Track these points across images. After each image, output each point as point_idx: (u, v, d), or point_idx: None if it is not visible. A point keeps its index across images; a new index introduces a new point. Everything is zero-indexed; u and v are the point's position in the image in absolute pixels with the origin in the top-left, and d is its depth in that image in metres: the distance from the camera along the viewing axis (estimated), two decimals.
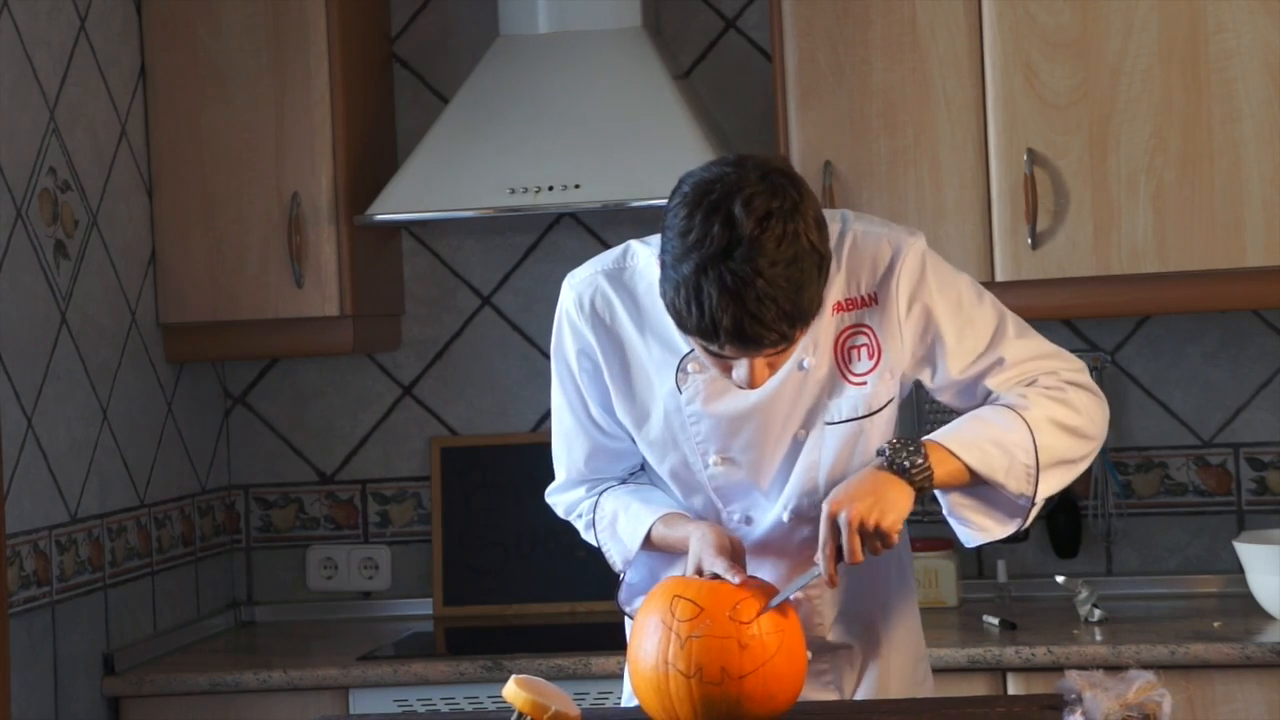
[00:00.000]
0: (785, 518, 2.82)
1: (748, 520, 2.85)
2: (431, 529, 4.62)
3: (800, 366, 2.77)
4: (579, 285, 2.87)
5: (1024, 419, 2.75)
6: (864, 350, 2.79)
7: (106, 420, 4.11)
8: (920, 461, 2.69)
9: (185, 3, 4.32)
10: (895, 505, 2.66)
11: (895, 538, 2.66)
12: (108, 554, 4.10)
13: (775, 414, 2.79)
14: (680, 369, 2.80)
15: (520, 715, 2.61)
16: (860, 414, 2.80)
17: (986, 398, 2.82)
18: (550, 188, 4.16)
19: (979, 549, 4.41)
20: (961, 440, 2.74)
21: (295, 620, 4.65)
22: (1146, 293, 4.05)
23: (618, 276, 2.85)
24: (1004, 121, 4.05)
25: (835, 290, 2.77)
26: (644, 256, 2.84)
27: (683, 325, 2.59)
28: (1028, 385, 2.80)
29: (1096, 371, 4.35)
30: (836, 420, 2.79)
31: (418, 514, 4.66)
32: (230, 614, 4.64)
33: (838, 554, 2.66)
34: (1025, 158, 4.03)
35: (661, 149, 4.10)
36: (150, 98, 4.34)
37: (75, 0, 4.07)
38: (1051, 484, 2.78)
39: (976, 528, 2.82)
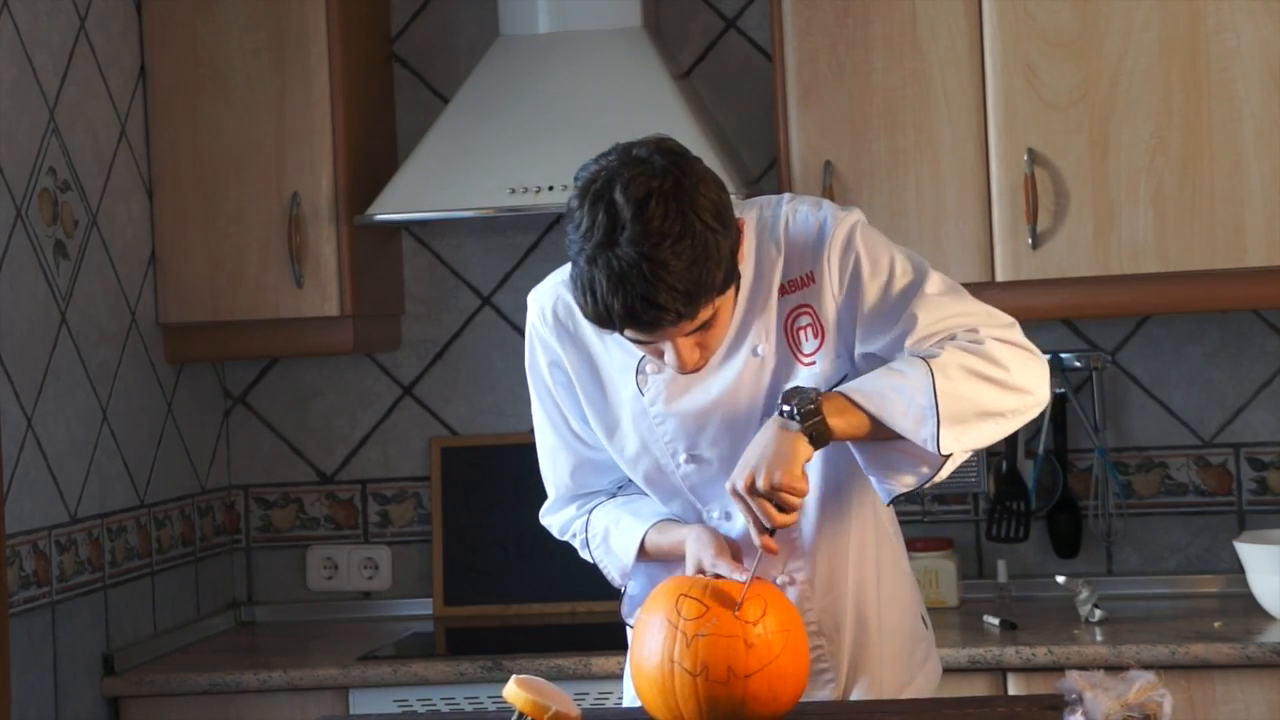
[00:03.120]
0: None
1: (727, 516, 2.84)
2: (431, 529, 4.62)
3: (755, 353, 2.77)
4: (541, 298, 2.91)
5: (927, 363, 2.66)
6: (809, 330, 2.78)
7: (106, 420, 4.11)
8: (810, 408, 2.62)
9: (185, 3, 4.32)
10: (787, 457, 2.61)
11: (800, 486, 2.60)
12: (108, 554, 4.10)
13: (737, 405, 2.78)
14: (639, 370, 2.81)
15: (520, 715, 2.61)
16: None
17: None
18: (550, 188, 4.16)
19: (978, 548, 4.41)
20: (859, 388, 2.67)
21: (295, 620, 4.65)
22: (1146, 293, 4.05)
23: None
24: (1004, 121, 4.05)
25: (778, 273, 2.77)
26: None
27: (586, 316, 2.60)
28: (947, 339, 2.71)
29: (1097, 371, 4.35)
30: None
31: (418, 514, 4.66)
32: (230, 614, 4.64)
33: (761, 525, 2.63)
34: (1025, 158, 4.03)
35: None
36: (150, 98, 4.34)
37: (75, 0, 4.07)
38: (977, 436, 2.68)
39: (890, 479, 2.74)
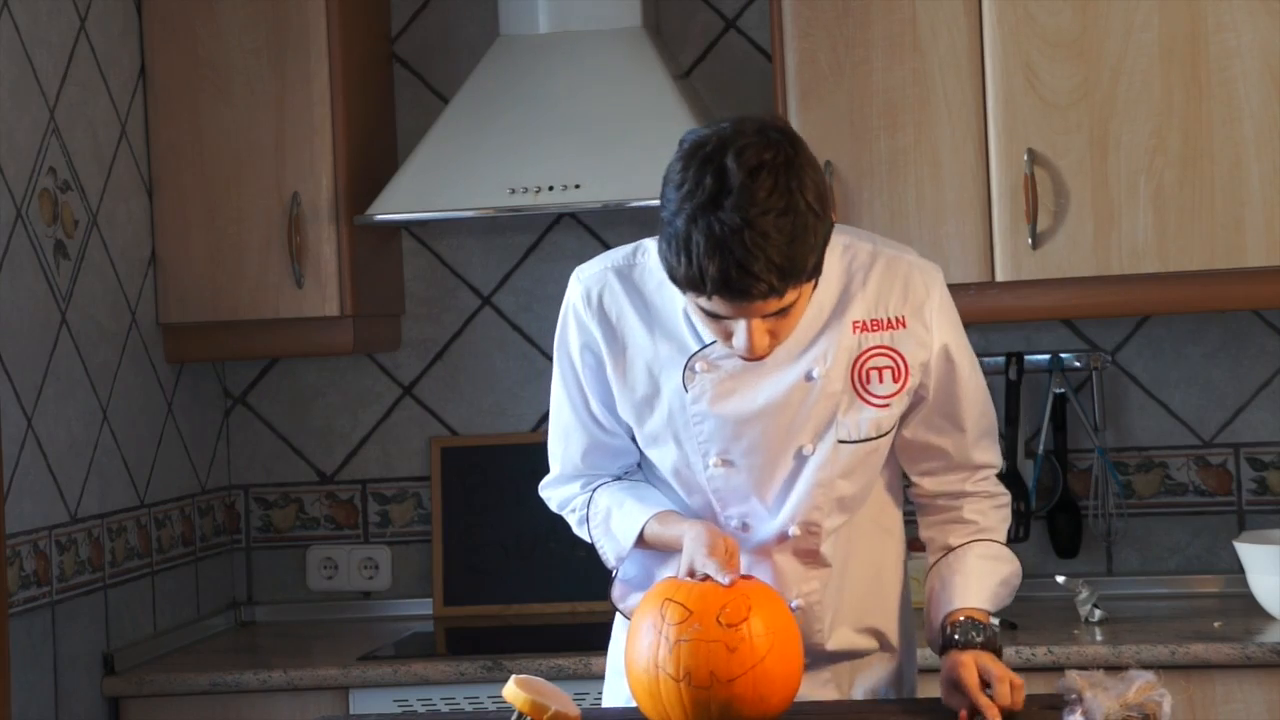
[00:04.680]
0: (793, 530, 2.81)
1: (744, 527, 2.84)
2: (431, 529, 4.62)
3: (809, 377, 2.76)
4: (587, 280, 2.87)
5: (1000, 542, 2.91)
6: (888, 373, 2.79)
7: (106, 420, 4.11)
8: (996, 634, 2.82)
9: (185, 3, 4.32)
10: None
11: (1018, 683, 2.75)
12: (108, 554, 4.10)
13: (780, 421, 2.78)
14: (688, 368, 2.79)
15: (520, 715, 2.61)
16: (876, 435, 2.81)
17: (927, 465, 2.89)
18: (550, 188, 4.16)
19: None
20: (987, 595, 2.86)
21: (295, 620, 4.65)
22: (1146, 293, 4.05)
23: (627, 273, 2.85)
24: (1004, 121, 4.05)
25: (858, 308, 2.78)
26: (655, 253, 2.82)
27: (674, 278, 2.59)
28: (991, 494, 2.91)
29: (1096, 371, 4.35)
30: (853, 439, 2.79)
31: (418, 514, 4.66)
32: (230, 614, 4.64)
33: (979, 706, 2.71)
34: (1025, 158, 4.03)
35: (661, 149, 4.05)
36: (150, 98, 4.34)
37: (75, 0, 4.07)
38: None
39: None
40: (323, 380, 4.68)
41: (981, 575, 2.85)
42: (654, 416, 2.84)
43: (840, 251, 2.79)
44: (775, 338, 2.66)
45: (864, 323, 2.78)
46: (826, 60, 4.11)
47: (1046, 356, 4.37)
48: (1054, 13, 4.03)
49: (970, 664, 2.72)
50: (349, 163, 4.31)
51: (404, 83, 4.66)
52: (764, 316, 2.60)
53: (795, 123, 4.12)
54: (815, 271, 2.61)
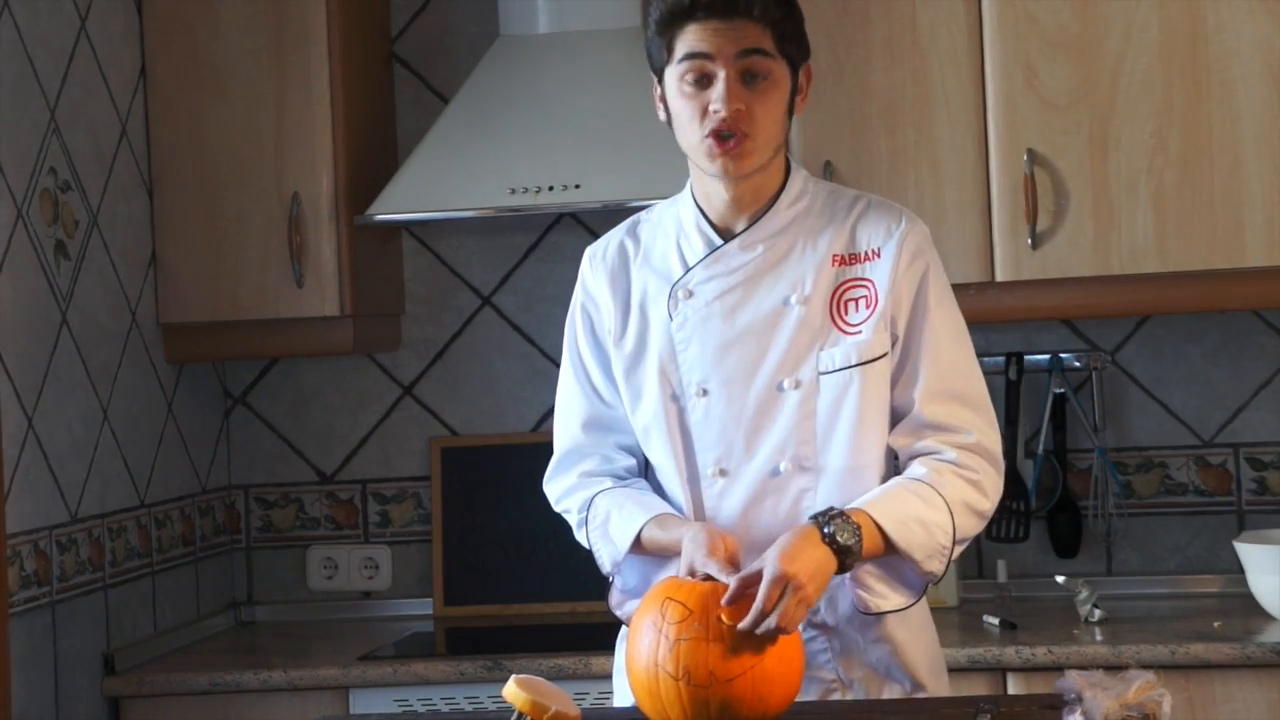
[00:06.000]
0: (783, 467, 2.82)
1: (722, 473, 2.84)
2: (431, 529, 4.62)
3: (787, 302, 2.83)
4: (598, 245, 3.02)
5: (945, 500, 2.78)
6: (861, 301, 2.84)
7: (107, 420, 4.11)
8: (855, 543, 2.69)
9: (185, 3, 4.32)
10: (822, 585, 2.67)
11: (804, 616, 2.65)
12: (108, 554, 4.10)
13: (759, 346, 2.83)
14: (671, 296, 2.87)
15: (520, 715, 2.61)
16: (853, 362, 2.82)
17: (904, 409, 2.85)
18: (550, 188, 4.16)
19: (978, 548, 4.41)
20: (889, 514, 2.74)
21: (295, 620, 4.65)
22: (1146, 293, 4.05)
23: (633, 228, 3.01)
24: (1004, 121, 4.05)
25: (839, 243, 2.86)
26: (660, 207, 2.99)
27: (662, 20, 2.79)
28: (945, 459, 2.81)
29: (1096, 371, 4.35)
30: (831, 369, 2.82)
31: (418, 514, 4.66)
32: (230, 614, 4.64)
33: (760, 613, 2.60)
34: (1025, 158, 4.03)
35: (661, 149, 4.09)
36: (150, 98, 4.34)
37: (75, 0, 4.07)
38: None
39: (879, 595, 2.82)
40: (323, 380, 4.69)
41: (897, 498, 2.77)
42: (644, 359, 2.89)
43: (827, 193, 2.91)
44: (750, 118, 2.77)
45: (843, 256, 2.86)
46: (826, 60, 4.11)
47: (1046, 356, 4.37)
48: (1054, 12, 4.03)
49: (781, 551, 2.63)
50: (349, 163, 4.31)
51: (404, 83, 4.66)
52: (743, 76, 2.75)
53: (795, 122, 4.11)
54: (797, 53, 2.81)
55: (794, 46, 2.81)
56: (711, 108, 2.76)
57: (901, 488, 2.79)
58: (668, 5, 2.78)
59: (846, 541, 2.68)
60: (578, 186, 4.16)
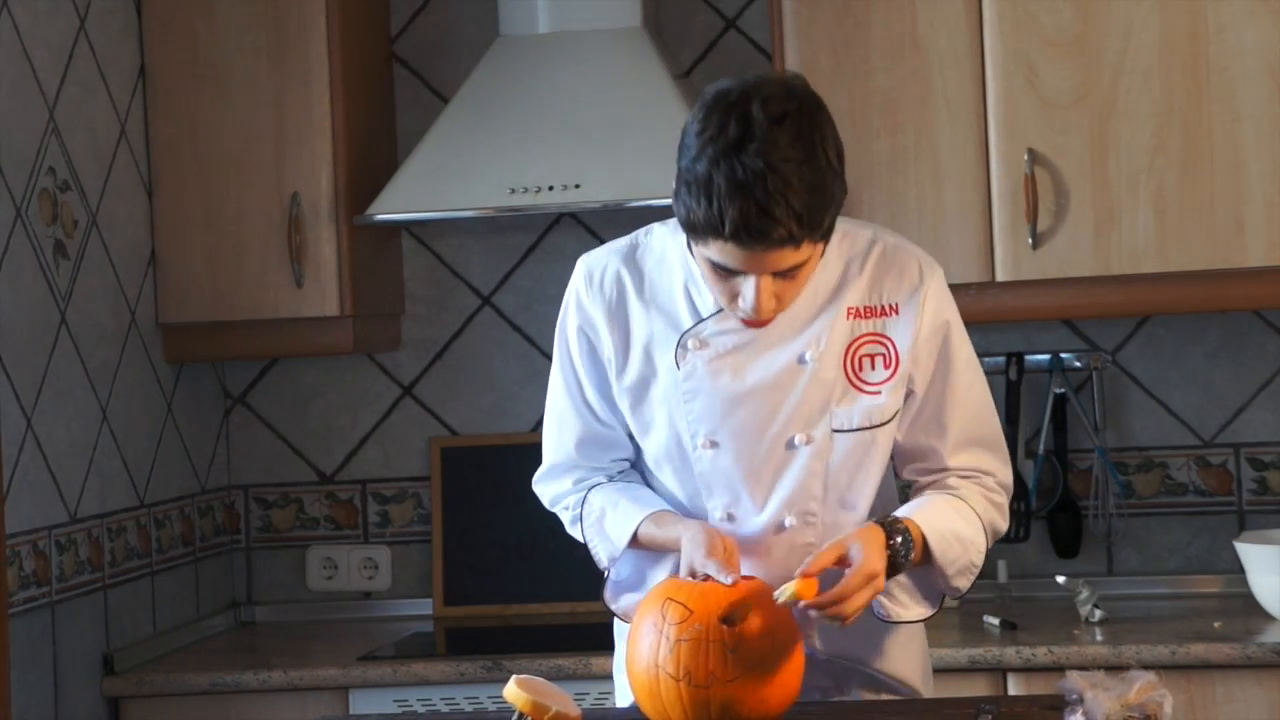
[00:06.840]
0: (789, 521, 2.80)
1: (730, 518, 2.82)
2: (431, 529, 4.62)
3: (801, 360, 2.76)
4: (591, 263, 2.89)
5: (979, 518, 2.81)
6: (879, 360, 2.79)
7: (106, 420, 4.11)
8: (908, 560, 2.71)
9: (185, 3, 4.32)
10: (877, 591, 2.69)
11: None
12: (107, 554, 4.10)
13: (769, 402, 2.77)
14: (680, 345, 2.79)
15: (520, 715, 2.61)
16: (873, 423, 2.79)
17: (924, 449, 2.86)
18: (550, 188, 4.16)
19: None
20: (934, 528, 2.75)
21: (295, 620, 4.65)
22: (1146, 293, 4.05)
23: (630, 255, 2.87)
24: (1004, 121, 4.05)
25: (854, 295, 2.79)
26: (660, 234, 2.87)
27: (691, 223, 2.59)
28: (974, 482, 2.84)
29: (1097, 371, 4.35)
30: (847, 428, 2.78)
31: (418, 514, 4.66)
32: (230, 614, 4.64)
33: (817, 607, 2.63)
34: (1025, 158, 4.03)
35: (661, 149, 4.08)
36: (150, 98, 4.34)
37: (75, 0, 4.07)
38: None
39: (901, 605, 2.84)
40: (323, 380, 4.68)
41: (942, 511, 2.79)
42: (649, 395, 2.84)
43: (839, 238, 2.80)
44: (780, 302, 2.66)
45: (858, 309, 2.79)
46: (826, 60, 4.11)
47: (1047, 356, 4.37)
48: (1054, 12, 4.03)
49: (869, 547, 2.65)
50: (349, 163, 4.31)
51: (404, 83, 4.66)
52: (775, 274, 2.61)
53: None
54: (828, 233, 2.63)
55: (826, 229, 2.63)
56: (742, 304, 2.66)
57: (944, 502, 2.81)
58: (700, 219, 2.58)
59: (905, 556, 2.70)
60: (578, 186, 4.16)
